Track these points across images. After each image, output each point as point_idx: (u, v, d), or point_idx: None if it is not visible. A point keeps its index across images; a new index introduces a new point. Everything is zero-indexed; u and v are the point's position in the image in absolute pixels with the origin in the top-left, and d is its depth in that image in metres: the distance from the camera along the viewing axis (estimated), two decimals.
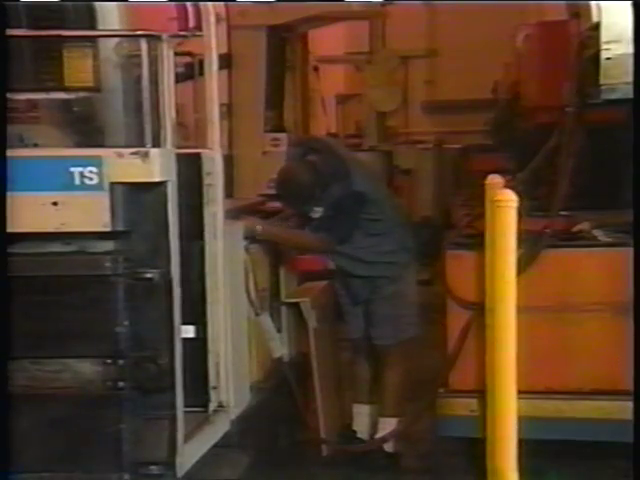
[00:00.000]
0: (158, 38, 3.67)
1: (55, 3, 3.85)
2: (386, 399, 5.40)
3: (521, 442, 4.14)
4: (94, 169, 3.54)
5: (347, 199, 5.19)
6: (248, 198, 6.39)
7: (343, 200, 5.17)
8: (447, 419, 4.86)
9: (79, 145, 3.84)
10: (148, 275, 3.62)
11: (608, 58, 4.47)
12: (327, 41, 11.81)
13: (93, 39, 3.84)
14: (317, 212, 5.21)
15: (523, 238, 4.31)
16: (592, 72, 4.59)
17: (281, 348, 5.17)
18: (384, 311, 5.27)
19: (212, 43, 4.14)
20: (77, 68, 3.83)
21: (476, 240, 4.65)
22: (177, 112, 3.90)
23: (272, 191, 5.78)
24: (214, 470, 4.03)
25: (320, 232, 5.20)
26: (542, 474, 4.57)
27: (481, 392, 4.49)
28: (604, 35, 4.48)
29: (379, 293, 5.28)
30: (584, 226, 5.08)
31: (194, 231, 4.09)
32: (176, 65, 3.89)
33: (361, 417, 5.49)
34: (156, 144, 3.66)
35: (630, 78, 4.30)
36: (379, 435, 5.38)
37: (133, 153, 3.57)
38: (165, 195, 3.65)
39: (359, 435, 5.46)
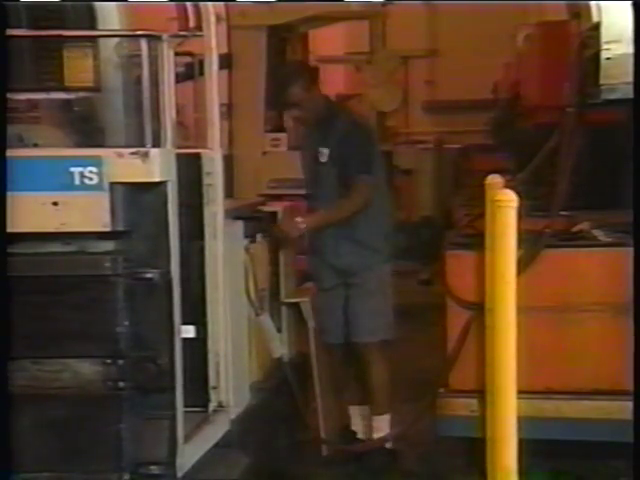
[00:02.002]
0: (158, 38, 3.67)
1: (55, 3, 3.85)
2: (375, 397, 5.41)
3: (521, 442, 4.14)
4: (94, 169, 3.54)
5: (355, 129, 5.22)
6: (248, 198, 6.39)
7: (351, 130, 5.20)
8: (447, 419, 4.85)
9: (79, 145, 3.85)
10: (148, 275, 3.62)
11: (608, 58, 4.47)
12: (327, 41, 11.83)
13: (93, 39, 3.85)
14: (324, 154, 5.20)
15: (523, 238, 4.31)
16: (592, 72, 4.59)
17: (281, 348, 5.16)
18: (364, 309, 5.27)
19: (212, 43, 4.15)
20: (77, 68, 3.83)
21: (476, 240, 4.64)
22: (177, 112, 3.90)
23: (272, 191, 5.79)
24: (214, 470, 4.03)
25: (335, 169, 5.18)
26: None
27: (481, 392, 4.49)
28: (604, 35, 4.47)
29: (357, 289, 5.28)
30: (584, 226, 5.08)
31: (194, 231, 4.10)
32: (176, 65, 3.89)
33: (358, 418, 5.50)
34: (156, 144, 3.66)
35: (630, 78, 4.29)
36: (375, 433, 5.39)
37: (133, 153, 3.57)
38: (165, 195, 3.65)
39: (359, 435, 5.47)
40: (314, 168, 5.29)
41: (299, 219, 5.03)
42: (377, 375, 5.37)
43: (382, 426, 5.37)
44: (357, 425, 5.49)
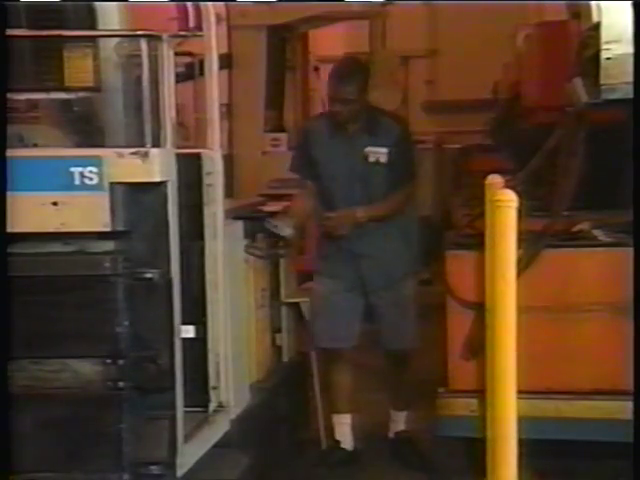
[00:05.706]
0: (158, 38, 3.68)
1: (55, 3, 3.85)
2: (401, 394, 5.51)
3: (521, 442, 4.14)
4: (94, 169, 3.54)
5: (410, 134, 5.52)
6: (248, 198, 6.39)
7: (408, 135, 5.45)
8: (447, 419, 4.85)
9: (79, 145, 3.85)
10: (148, 275, 3.62)
11: (608, 58, 4.46)
12: (327, 41, 11.80)
13: (93, 39, 3.85)
14: (380, 154, 5.24)
15: (523, 238, 4.31)
16: (592, 72, 4.59)
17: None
18: (407, 314, 5.34)
19: (212, 43, 4.15)
20: (77, 68, 3.83)
21: (476, 240, 4.64)
22: (177, 112, 3.90)
23: (272, 191, 5.76)
24: (214, 470, 4.03)
25: (389, 170, 5.26)
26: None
27: (481, 392, 4.49)
28: (604, 35, 4.47)
29: (396, 294, 5.32)
30: (584, 226, 5.08)
31: (194, 231, 4.10)
32: (176, 65, 3.89)
33: (343, 427, 5.44)
34: (156, 144, 3.66)
35: (630, 78, 4.29)
36: (392, 425, 5.49)
37: (133, 153, 3.57)
38: (165, 195, 3.65)
39: (343, 445, 5.42)
40: (359, 167, 5.27)
41: (359, 210, 5.17)
42: (408, 375, 5.50)
43: (399, 420, 5.49)
44: (342, 434, 5.43)
